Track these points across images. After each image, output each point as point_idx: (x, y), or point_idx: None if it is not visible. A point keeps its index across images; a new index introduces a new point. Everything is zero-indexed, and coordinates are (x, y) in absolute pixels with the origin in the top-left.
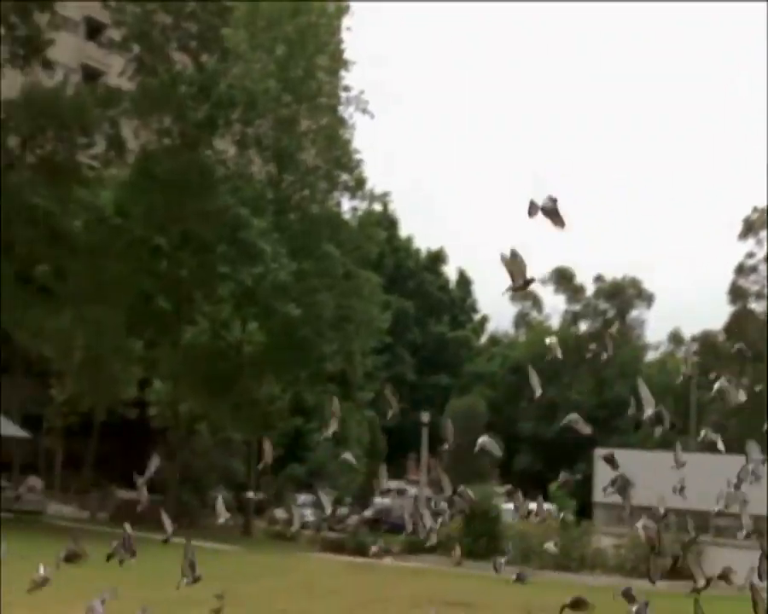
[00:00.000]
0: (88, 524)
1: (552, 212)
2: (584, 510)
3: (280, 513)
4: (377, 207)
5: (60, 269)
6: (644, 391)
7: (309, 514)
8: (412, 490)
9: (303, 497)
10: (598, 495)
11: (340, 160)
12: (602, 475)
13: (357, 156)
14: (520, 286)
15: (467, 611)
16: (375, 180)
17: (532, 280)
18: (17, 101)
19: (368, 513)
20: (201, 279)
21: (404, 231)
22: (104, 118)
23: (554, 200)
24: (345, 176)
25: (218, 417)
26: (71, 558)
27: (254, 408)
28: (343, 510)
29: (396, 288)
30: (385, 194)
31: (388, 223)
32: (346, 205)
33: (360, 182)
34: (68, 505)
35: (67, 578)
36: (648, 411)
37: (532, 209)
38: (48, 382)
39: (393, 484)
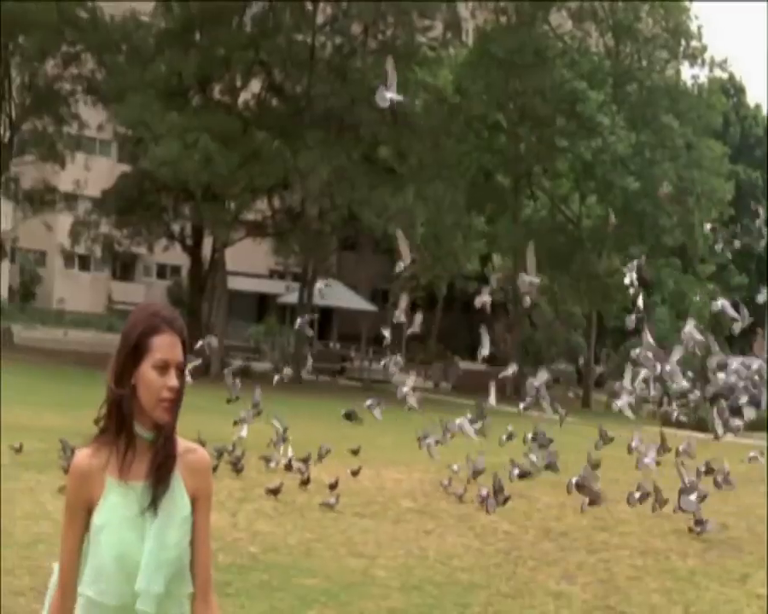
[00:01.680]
0: (431, 394)
1: None
2: None
3: (619, 387)
4: (722, 74)
5: (402, 149)
6: None
7: (651, 388)
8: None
9: (644, 371)
10: None
11: (678, 29)
12: None
13: (697, 23)
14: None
15: None
16: (716, 45)
17: None
18: None
19: (710, 389)
20: (539, 154)
21: (752, 98)
22: (442, 0)
23: None
24: (684, 45)
25: (558, 290)
26: (349, 416)
27: (594, 281)
28: (684, 384)
29: (743, 158)
30: (724, 61)
31: (735, 89)
32: (686, 74)
33: (700, 50)
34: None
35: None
36: None
37: None
38: (393, 258)
39: (738, 361)
